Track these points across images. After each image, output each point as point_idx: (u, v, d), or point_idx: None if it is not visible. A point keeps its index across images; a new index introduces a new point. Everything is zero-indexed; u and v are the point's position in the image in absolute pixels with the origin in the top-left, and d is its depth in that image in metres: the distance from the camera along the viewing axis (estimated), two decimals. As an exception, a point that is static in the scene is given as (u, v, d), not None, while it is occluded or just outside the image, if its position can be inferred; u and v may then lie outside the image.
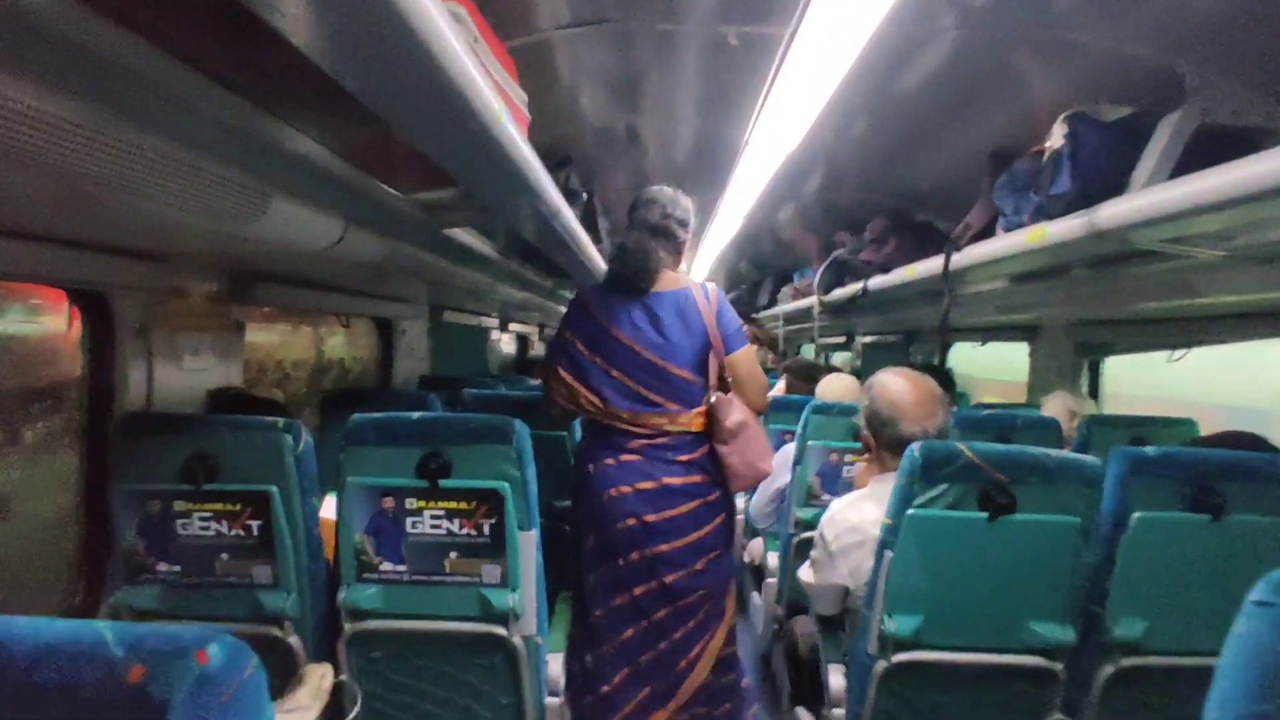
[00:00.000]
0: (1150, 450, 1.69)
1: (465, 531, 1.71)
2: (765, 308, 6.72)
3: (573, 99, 2.31)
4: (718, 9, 1.69)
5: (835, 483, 2.68)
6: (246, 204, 1.41)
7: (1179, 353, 2.97)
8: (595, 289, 2.17)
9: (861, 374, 6.77)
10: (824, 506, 2.69)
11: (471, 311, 4.59)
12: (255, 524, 1.67)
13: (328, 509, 1.93)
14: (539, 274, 3.65)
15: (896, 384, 1.84)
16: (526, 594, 1.75)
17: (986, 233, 2.49)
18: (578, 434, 2.47)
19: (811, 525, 2.71)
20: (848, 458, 2.66)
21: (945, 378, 4.93)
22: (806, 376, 3.72)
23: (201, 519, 1.66)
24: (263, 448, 1.67)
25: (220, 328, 2.19)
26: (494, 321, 5.21)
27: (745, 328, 2.25)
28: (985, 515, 1.61)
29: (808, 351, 8.68)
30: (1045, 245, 1.96)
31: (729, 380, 2.17)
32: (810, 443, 2.66)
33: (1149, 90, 1.82)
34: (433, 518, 1.72)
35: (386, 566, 1.74)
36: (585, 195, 2.77)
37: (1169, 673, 1.70)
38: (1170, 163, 1.70)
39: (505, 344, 6.57)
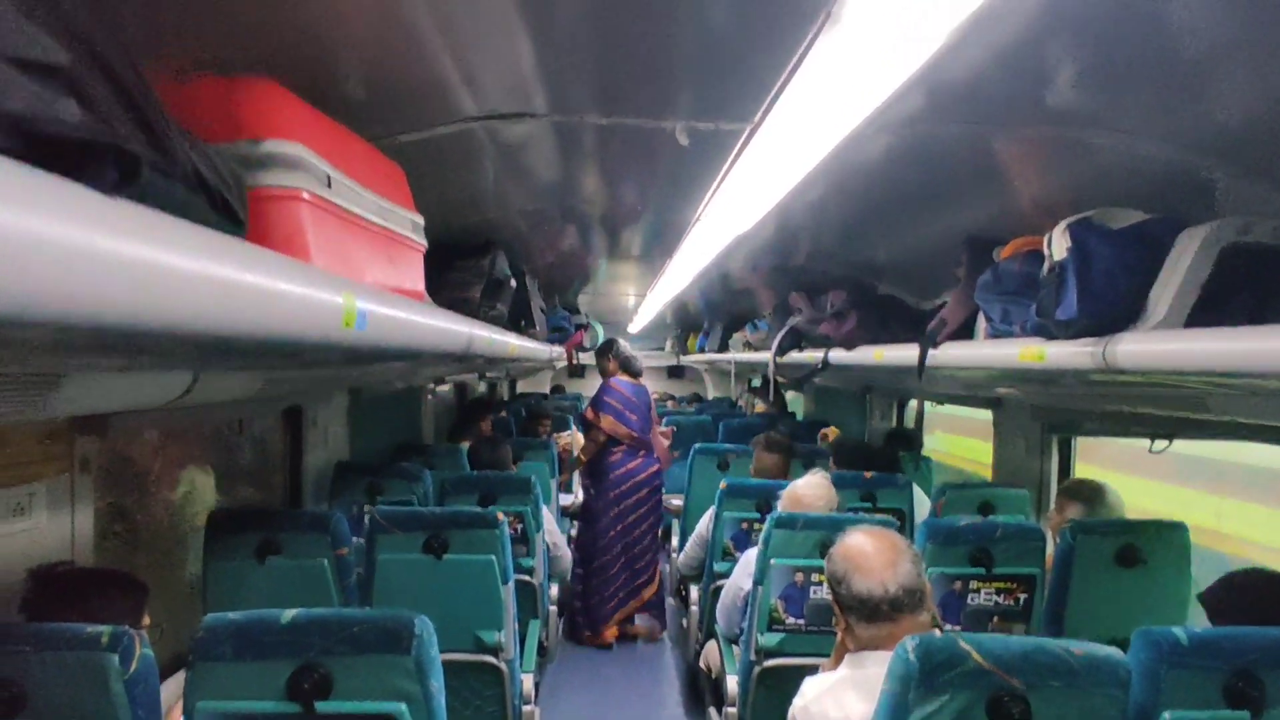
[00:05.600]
0: (1182, 635, 1.42)
1: (354, 762, 1.35)
2: (716, 351, 6.45)
3: (499, 185, 1.98)
4: (666, 106, 1.39)
5: (801, 605, 2.39)
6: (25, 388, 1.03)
7: (1160, 444, 2.77)
8: (619, 379, 4.35)
9: (815, 418, 6.60)
10: (789, 632, 2.43)
11: (400, 378, 4.18)
12: (69, 775, 1.28)
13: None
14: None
15: (853, 538, 1.65)
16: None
17: (964, 328, 2.23)
18: (507, 557, 2.37)
19: (775, 653, 2.42)
20: (814, 577, 2.37)
21: (909, 437, 4.75)
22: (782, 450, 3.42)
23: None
24: (80, 672, 1.28)
25: (56, 471, 1.77)
26: (428, 378, 4.79)
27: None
28: (997, 730, 1.32)
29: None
30: (1044, 368, 1.70)
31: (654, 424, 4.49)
32: (773, 561, 2.37)
33: (1167, 195, 1.57)
34: (310, 750, 1.35)
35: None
36: (515, 283, 2.43)
37: None
38: (1197, 286, 1.45)
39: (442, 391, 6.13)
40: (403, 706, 1.33)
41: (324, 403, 3.18)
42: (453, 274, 2.12)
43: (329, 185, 0.91)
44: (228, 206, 0.62)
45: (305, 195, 0.87)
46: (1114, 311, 1.51)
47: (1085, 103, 1.40)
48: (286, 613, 1.37)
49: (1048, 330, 1.65)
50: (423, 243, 1.33)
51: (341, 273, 0.93)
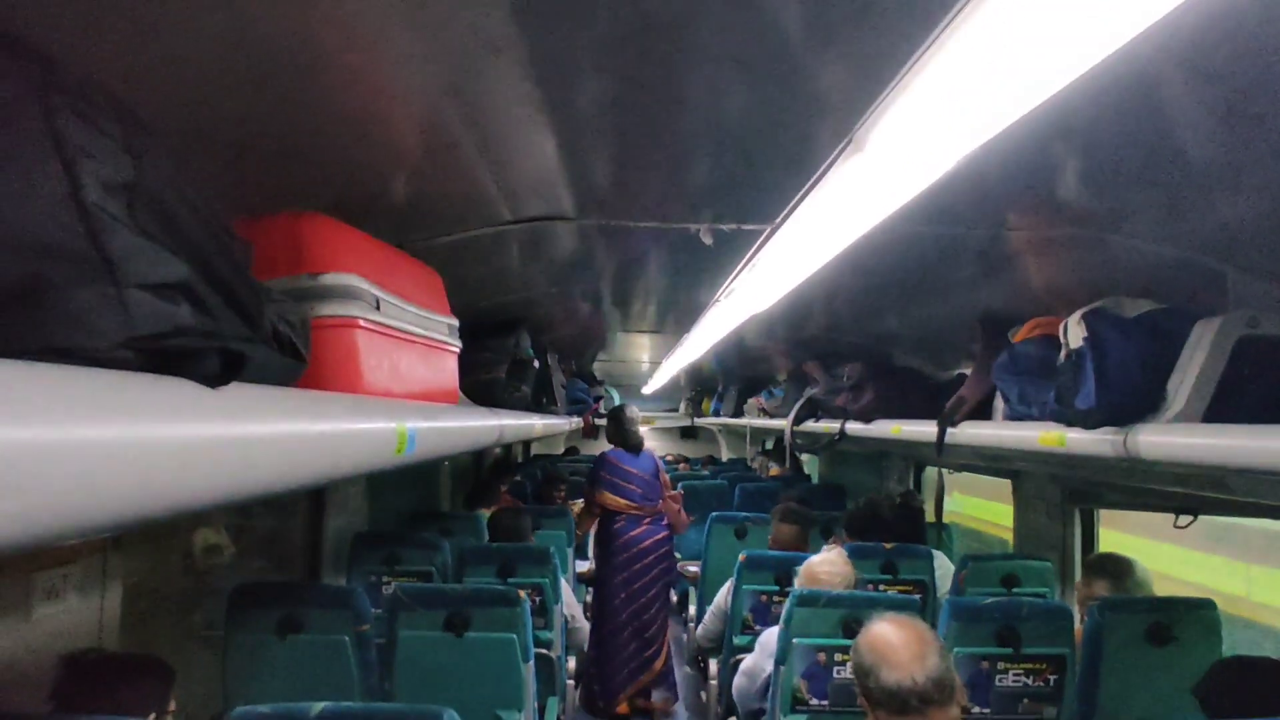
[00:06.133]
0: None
1: None
2: (731, 415, 6.46)
3: (527, 273, 2.05)
4: (691, 212, 1.45)
5: (825, 685, 2.36)
6: None
7: (1184, 519, 2.75)
8: (616, 452, 4.33)
9: (830, 480, 6.55)
10: (813, 713, 2.39)
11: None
12: None
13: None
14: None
15: (878, 628, 1.63)
16: None
17: (983, 407, 2.25)
18: (528, 635, 2.40)
19: (799, 732, 2.38)
20: (838, 656, 2.34)
21: (913, 504, 4.69)
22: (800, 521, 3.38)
23: None
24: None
25: (91, 550, 1.80)
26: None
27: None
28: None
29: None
30: (1065, 452, 1.71)
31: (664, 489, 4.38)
32: (795, 640, 2.35)
33: (1180, 287, 1.60)
34: None
35: None
36: (538, 362, 2.49)
37: None
38: (1214, 377, 1.47)
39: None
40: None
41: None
42: (481, 355, 2.17)
43: (378, 308, 0.96)
44: (295, 349, 0.67)
45: (361, 323, 0.92)
46: (1132, 401, 1.53)
47: (1094, 207, 1.45)
48: (315, 706, 1.37)
49: (1066, 417, 1.67)
50: (457, 344, 1.38)
51: (389, 387, 0.97)
